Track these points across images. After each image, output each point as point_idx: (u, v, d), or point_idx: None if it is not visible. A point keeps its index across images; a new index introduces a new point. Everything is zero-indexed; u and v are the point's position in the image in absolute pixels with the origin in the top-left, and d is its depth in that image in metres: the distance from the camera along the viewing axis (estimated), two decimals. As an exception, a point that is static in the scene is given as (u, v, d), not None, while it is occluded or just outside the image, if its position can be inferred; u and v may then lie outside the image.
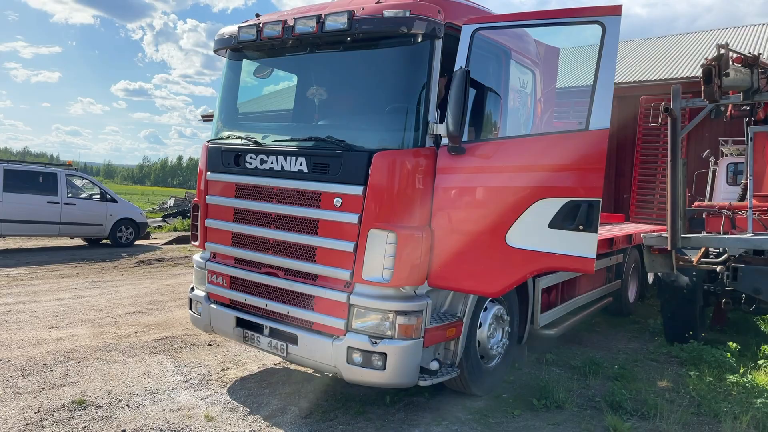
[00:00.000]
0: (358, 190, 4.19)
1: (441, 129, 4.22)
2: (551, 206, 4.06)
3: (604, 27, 3.99)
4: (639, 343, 7.50)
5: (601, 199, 4.00)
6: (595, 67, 4.02)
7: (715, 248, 7.45)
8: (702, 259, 7.16)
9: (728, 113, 7.93)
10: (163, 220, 23.72)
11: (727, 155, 10.91)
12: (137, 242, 15.96)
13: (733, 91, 6.47)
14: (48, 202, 13.78)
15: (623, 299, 9.03)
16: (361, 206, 4.19)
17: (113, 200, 15.36)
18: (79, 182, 15.43)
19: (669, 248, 6.58)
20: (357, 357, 4.23)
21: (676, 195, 6.48)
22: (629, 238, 8.60)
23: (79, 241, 15.63)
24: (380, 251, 4.12)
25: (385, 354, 4.16)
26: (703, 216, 8.61)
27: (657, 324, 8.16)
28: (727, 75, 5.08)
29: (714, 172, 10.78)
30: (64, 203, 14.06)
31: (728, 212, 8.11)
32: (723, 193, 10.39)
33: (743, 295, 6.89)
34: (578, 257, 4.02)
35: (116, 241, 15.23)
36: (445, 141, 4.23)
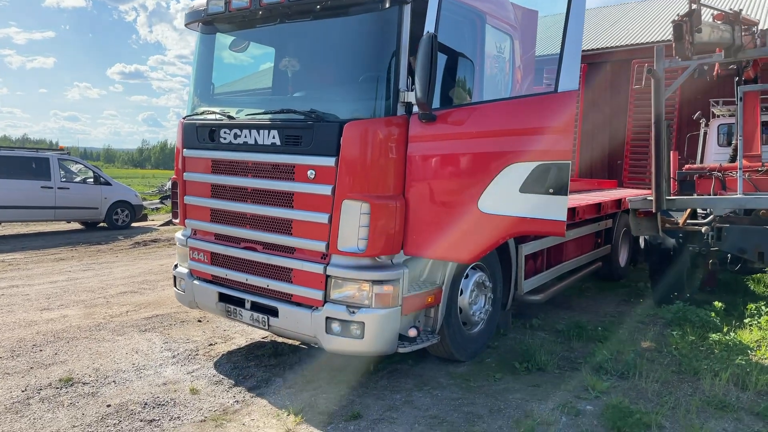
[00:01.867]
0: (330, 161, 4.18)
1: (412, 97, 4.17)
2: (522, 171, 4.11)
3: None
4: (628, 307, 7.54)
5: (570, 162, 3.99)
6: (563, 30, 3.97)
7: (702, 209, 7.44)
8: (688, 221, 7.17)
9: (715, 73, 7.83)
10: (161, 202, 23.73)
11: (718, 116, 10.82)
12: (134, 224, 15.99)
13: (719, 49, 6.37)
14: (42, 187, 13.75)
15: (614, 264, 9.05)
16: (334, 177, 4.18)
17: (107, 183, 15.36)
18: (73, 167, 15.41)
19: (654, 211, 6.59)
20: (336, 327, 4.27)
21: (660, 157, 6.46)
22: (618, 202, 8.57)
23: (76, 225, 15.68)
24: (354, 222, 4.13)
25: (363, 323, 4.19)
26: (694, 178, 8.58)
27: (647, 287, 8.20)
28: (700, 31, 4.99)
29: (705, 133, 10.70)
30: (58, 188, 14.05)
31: (719, 174, 8.07)
32: (714, 155, 10.34)
33: (728, 255, 6.89)
34: (549, 220, 4.06)
35: (113, 224, 15.26)
36: (416, 109, 4.19)
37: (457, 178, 4.24)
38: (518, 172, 4.11)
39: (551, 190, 4.04)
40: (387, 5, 4.13)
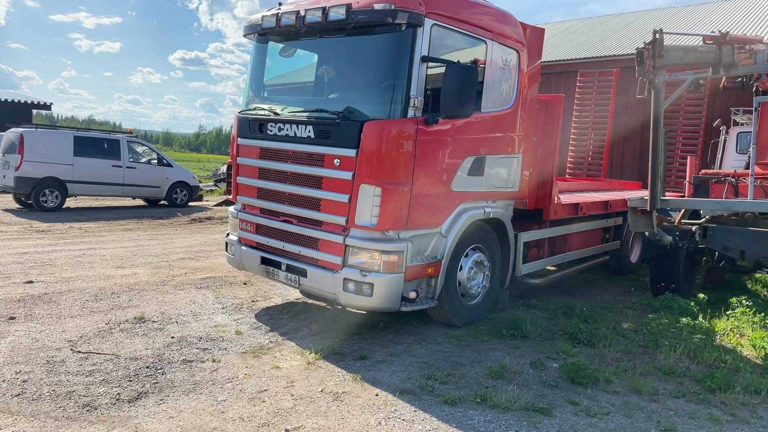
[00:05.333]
0: (352, 152, 5.19)
1: (420, 102, 5.14)
2: (469, 161, 5.80)
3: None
4: (626, 296, 8.27)
5: (483, 156, 5.97)
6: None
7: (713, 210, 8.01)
8: (683, 220, 7.82)
9: (721, 85, 8.39)
10: (215, 185, 25.45)
11: (741, 124, 11.21)
12: (191, 203, 17.55)
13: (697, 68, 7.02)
14: (112, 165, 15.41)
15: (623, 259, 9.71)
16: (355, 165, 5.19)
17: (169, 165, 16.93)
18: (139, 148, 17.05)
19: (648, 209, 7.30)
20: (351, 286, 5.30)
21: (656, 160, 7.15)
22: (629, 202, 9.22)
23: (139, 202, 17.34)
24: (369, 202, 5.14)
25: (373, 284, 5.20)
26: (709, 182, 9.13)
27: (652, 281, 8.84)
28: (661, 56, 5.70)
29: (725, 141, 11.13)
30: (127, 167, 15.68)
31: (732, 179, 8.62)
32: (732, 162, 10.77)
33: (716, 253, 7.52)
34: (474, 191, 5.99)
35: (172, 202, 16.85)
36: (417, 114, 5.18)
37: (445, 167, 5.53)
38: (468, 162, 5.78)
39: (479, 173, 5.94)
40: (403, 27, 5.09)
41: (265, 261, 6.10)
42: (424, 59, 5.15)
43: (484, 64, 5.87)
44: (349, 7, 5.18)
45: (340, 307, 6.51)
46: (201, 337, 5.54)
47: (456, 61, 5.21)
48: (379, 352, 5.32)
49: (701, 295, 7.04)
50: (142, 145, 17.46)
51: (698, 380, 4.93)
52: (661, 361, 5.28)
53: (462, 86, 5.11)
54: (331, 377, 4.71)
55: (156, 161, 16.77)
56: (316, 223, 5.61)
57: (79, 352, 5.06)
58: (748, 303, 6.90)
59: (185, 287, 7.40)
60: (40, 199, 14.39)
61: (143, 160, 16.64)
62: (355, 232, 5.32)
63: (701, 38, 6.58)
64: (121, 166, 15.57)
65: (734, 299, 7.09)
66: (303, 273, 5.68)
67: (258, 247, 6.22)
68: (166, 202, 16.93)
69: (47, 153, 14.52)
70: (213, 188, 24.27)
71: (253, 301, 6.87)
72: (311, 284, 5.64)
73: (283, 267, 5.89)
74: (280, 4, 6.29)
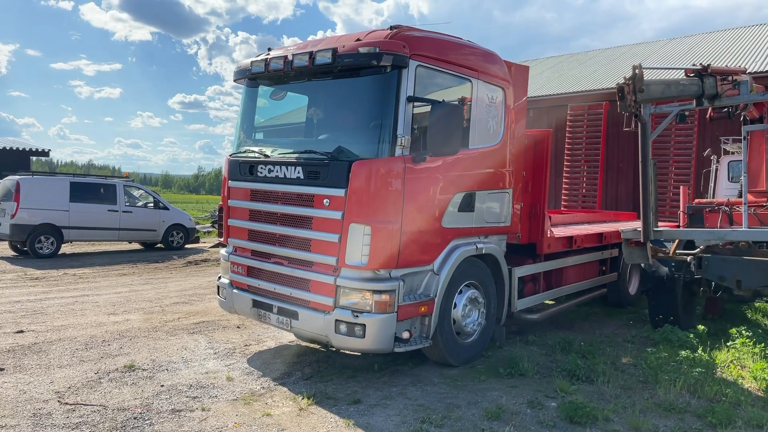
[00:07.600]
0: (341, 192, 5.20)
1: (407, 141, 5.18)
2: (459, 197, 5.85)
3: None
4: (626, 330, 8.15)
5: (474, 192, 6.01)
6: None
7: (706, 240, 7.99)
8: (678, 251, 7.78)
9: (708, 116, 8.49)
10: (212, 226, 25.41)
11: (731, 153, 11.29)
12: (187, 246, 17.50)
13: (681, 100, 7.12)
14: (108, 210, 15.42)
15: (621, 291, 9.62)
16: (344, 205, 5.18)
17: (165, 208, 16.96)
18: (135, 192, 17.12)
19: (642, 241, 7.27)
20: (343, 328, 5.22)
21: (647, 192, 7.17)
22: (624, 233, 9.19)
23: (136, 246, 17.30)
24: (359, 241, 5.11)
25: (365, 325, 5.12)
26: (703, 212, 9.13)
27: (651, 314, 8.73)
28: (642, 91, 5.78)
29: (716, 170, 11.19)
30: (123, 211, 15.70)
31: (726, 208, 8.63)
32: (725, 190, 10.80)
33: (712, 283, 7.46)
34: (465, 227, 5.99)
35: (168, 245, 16.81)
36: (405, 152, 5.21)
37: (434, 203, 5.55)
38: (458, 198, 5.83)
39: (470, 209, 5.97)
40: (388, 69, 5.17)
41: (256, 304, 6.03)
42: (410, 99, 5.22)
43: (471, 102, 5.94)
44: (335, 51, 5.28)
45: (333, 349, 6.41)
46: (191, 385, 5.42)
47: (441, 100, 5.28)
48: (373, 396, 5.21)
49: (701, 327, 6.95)
50: (139, 188, 17.53)
51: (699, 415, 4.81)
52: (661, 397, 5.16)
53: (447, 124, 5.16)
54: (323, 424, 4.59)
55: (152, 204, 16.80)
56: (307, 264, 5.57)
57: (66, 403, 4.94)
58: (747, 333, 6.80)
59: (178, 333, 7.29)
60: (35, 245, 14.35)
61: (139, 203, 16.67)
62: (345, 272, 5.27)
63: (683, 71, 6.68)
64: (117, 211, 15.59)
65: (734, 330, 6.99)
66: (294, 315, 5.61)
67: (249, 289, 6.16)
68: (162, 245, 16.89)
69: (43, 200, 14.54)
70: (210, 229, 24.24)
71: (246, 346, 6.76)
72: (303, 327, 5.56)
73: (275, 309, 5.81)
74: (269, 49, 6.42)
